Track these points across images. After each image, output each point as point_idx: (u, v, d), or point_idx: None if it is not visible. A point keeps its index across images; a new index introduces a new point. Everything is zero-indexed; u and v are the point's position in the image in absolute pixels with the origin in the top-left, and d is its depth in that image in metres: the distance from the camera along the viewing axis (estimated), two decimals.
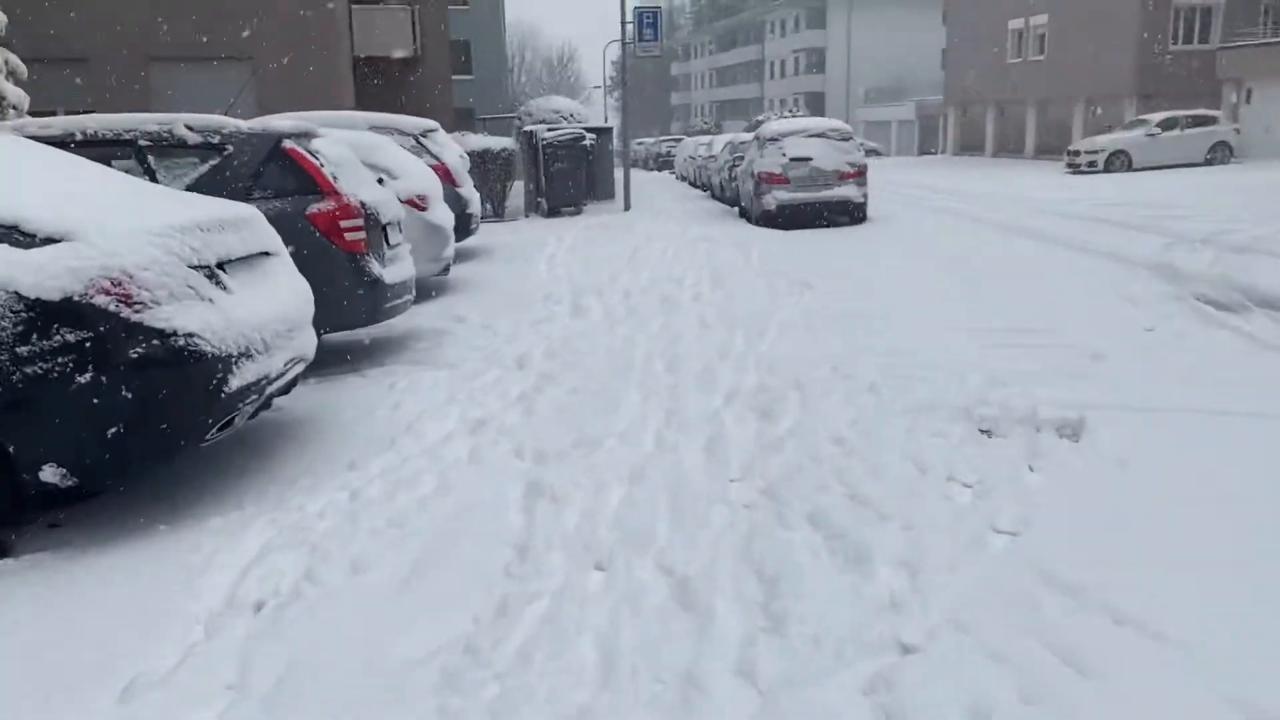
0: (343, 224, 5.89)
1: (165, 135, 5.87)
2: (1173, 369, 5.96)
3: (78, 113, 15.71)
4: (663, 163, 48.63)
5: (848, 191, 15.62)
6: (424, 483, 3.95)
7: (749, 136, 21.54)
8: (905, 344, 6.67)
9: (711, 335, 7.10)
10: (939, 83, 54.75)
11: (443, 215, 9.24)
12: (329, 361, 6.47)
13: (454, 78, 43.68)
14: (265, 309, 4.14)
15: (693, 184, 31.52)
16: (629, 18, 18.34)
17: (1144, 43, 30.85)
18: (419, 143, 11.45)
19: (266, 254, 4.49)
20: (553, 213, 18.09)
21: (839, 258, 11.43)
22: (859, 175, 15.79)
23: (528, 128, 18.98)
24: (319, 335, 6.21)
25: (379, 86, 23.58)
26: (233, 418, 3.89)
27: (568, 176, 17.91)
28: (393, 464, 4.21)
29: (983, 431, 4.98)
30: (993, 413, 5.20)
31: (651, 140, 59.54)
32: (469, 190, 11.74)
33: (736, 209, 19.14)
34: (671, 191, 27.67)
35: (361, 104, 22.85)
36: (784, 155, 15.66)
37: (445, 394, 5.34)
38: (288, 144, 5.97)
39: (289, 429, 4.83)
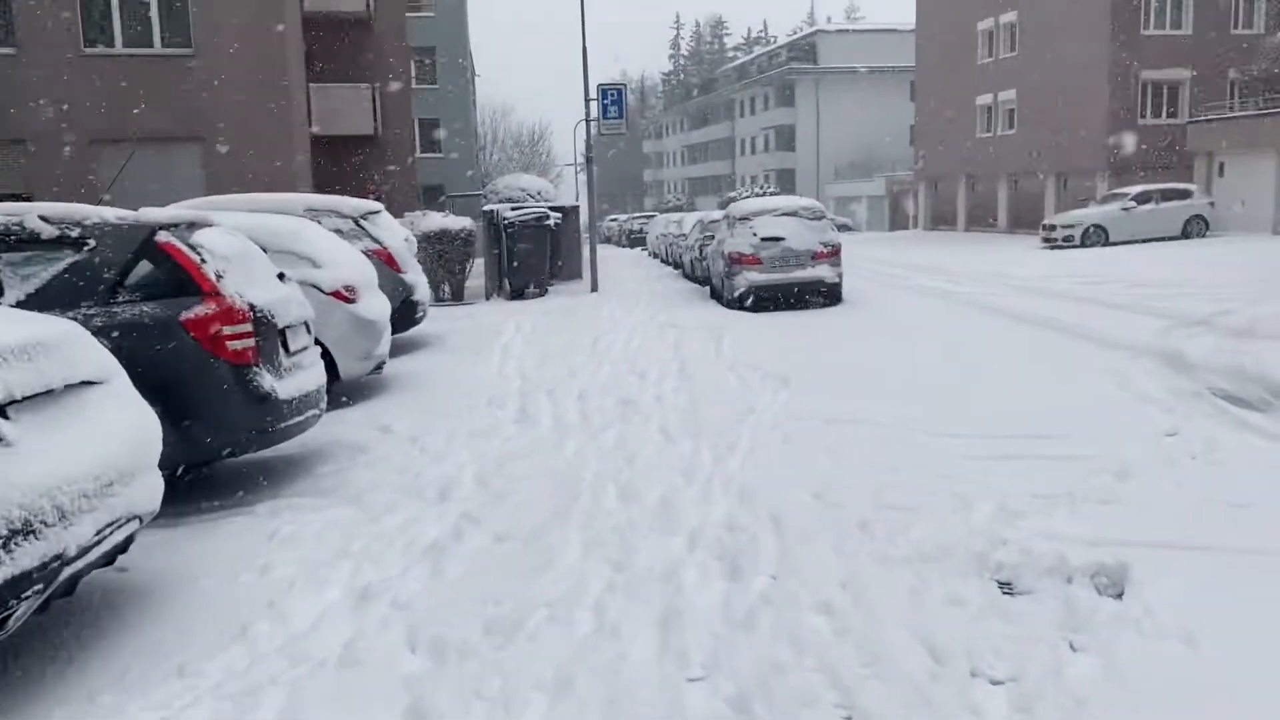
0: (225, 330, 4.90)
1: (15, 229, 4.90)
2: (1210, 488, 5.05)
3: (19, 197, 14.84)
4: (634, 240, 48.25)
5: (822, 272, 14.86)
6: (265, 705, 2.89)
7: (719, 215, 20.91)
8: (897, 459, 5.72)
9: (675, 450, 6.11)
10: (905, 158, 55.24)
11: (376, 307, 8.29)
12: (217, 492, 5.43)
13: (421, 155, 43.64)
14: (70, 460, 3.13)
15: (664, 261, 30.90)
16: (593, 95, 17.76)
17: (1113, 117, 30.84)
18: (359, 225, 10.56)
19: (89, 383, 3.49)
20: (516, 295, 17.22)
21: (816, 347, 10.55)
22: (833, 255, 15.05)
23: (488, 206, 18.21)
24: (202, 464, 5.26)
25: (340, 165, 22.90)
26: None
27: (531, 257, 17.09)
28: (236, 667, 3.14)
29: (1003, 588, 4.01)
30: (1013, 559, 4.23)
31: (624, 217, 59.35)
32: (415, 275, 10.83)
33: (707, 289, 18.35)
34: (642, 270, 26.96)
35: (321, 184, 22.14)
36: (755, 235, 14.92)
37: (335, 546, 4.29)
38: (162, 237, 5.01)
39: (123, 601, 3.76)
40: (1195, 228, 25.89)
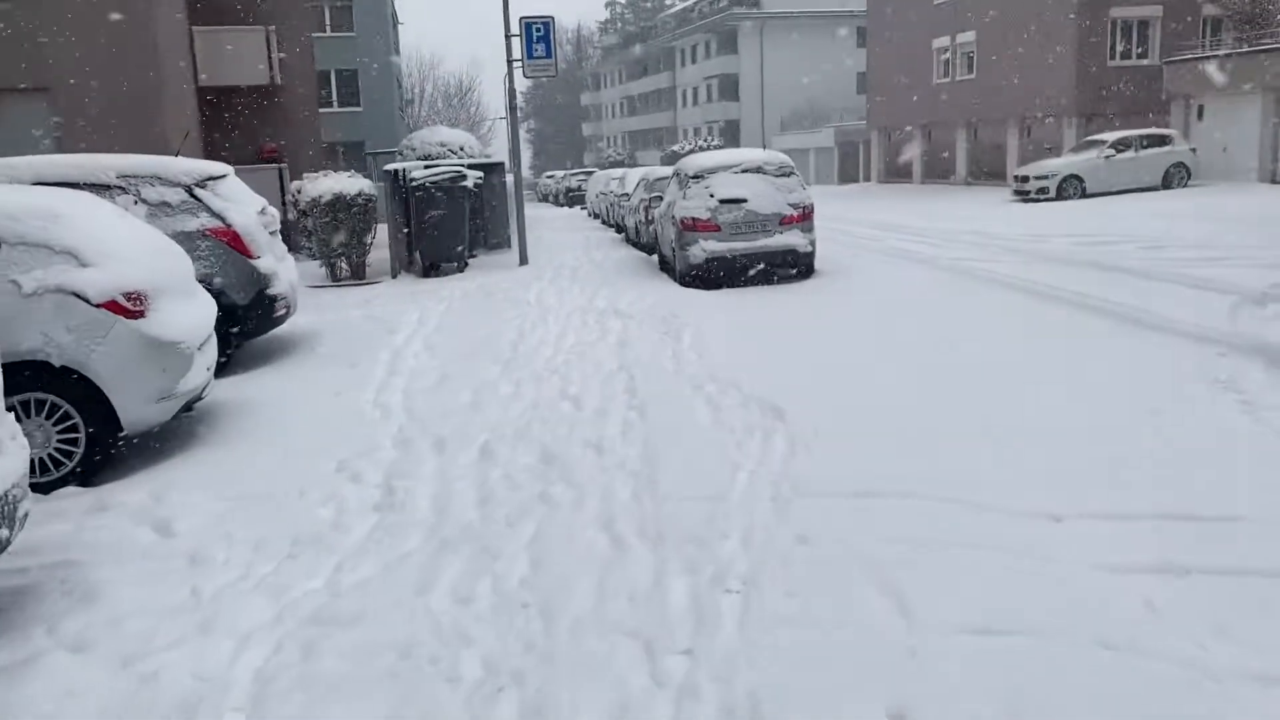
0: None
1: None
2: None
3: None
4: (573, 198, 45.27)
5: (792, 239, 12.42)
6: None
7: (667, 171, 18.30)
8: (999, 587, 3.36)
9: (625, 582, 3.64)
10: (853, 107, 52.82)
11: (182, 320, 5.63)
12: None
13: (339, 109, 40.12)
14: None
15: (605, 222, 28.26)
16: (515, 30, 14.95)
17: (1082, 58, 28.74)
18: (193, 196, 7.83)
19: None
20: (430, 271, 14.51)
21: (801, 344, 8.12)
22: (804, 219, 12.61)
23: (391, 166, 15.35)
24: None
25: (233, 121, 19.77)
26: None
27: (445, 225, 14.36)
28: None
29: None
30: None
31: (561, 174, 56.16)
32: (272, 261, 8.12)
33: (655, 257, 15.84)
34: (581, 234, 24.25)
35: (209, 142, 19.08)
36: (712, 196, 12.40)
37: None
38: None
39: None
40: (1177, 176, 23.94)
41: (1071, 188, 23.76)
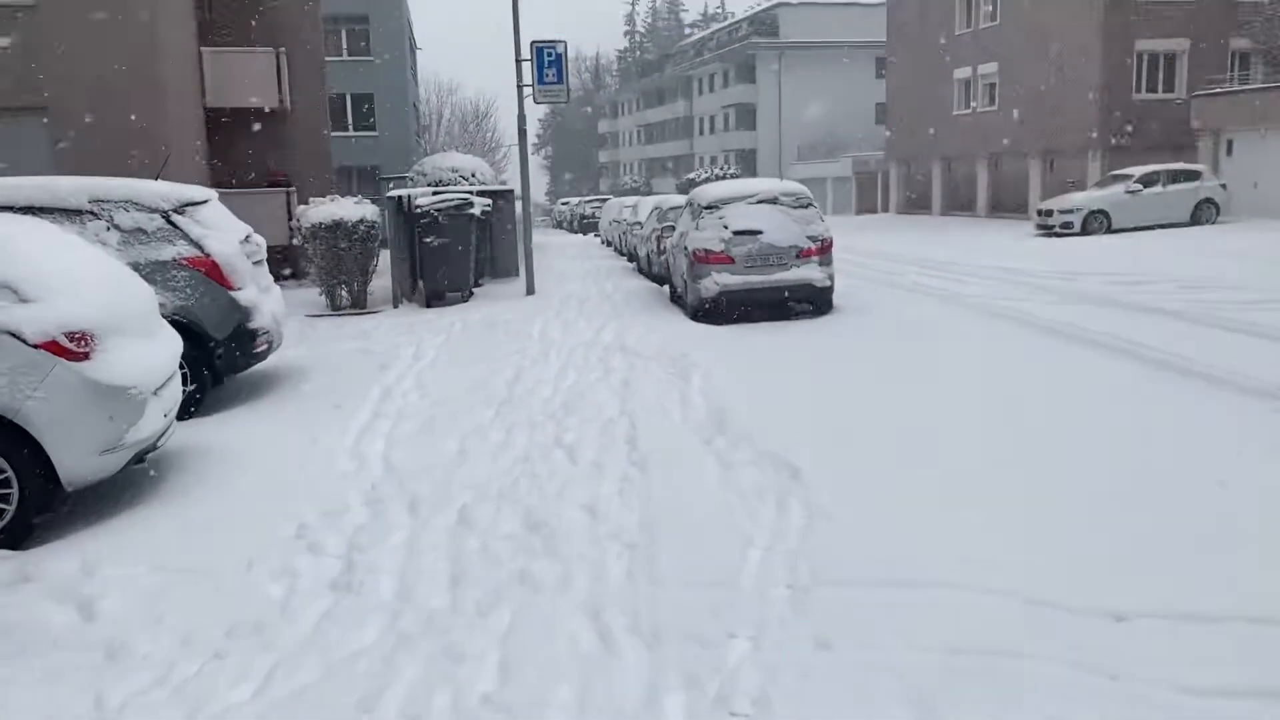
0: None
1: None
2: None
3: None
4: (586, 225, 44.85)
5: (809, 273, 11.85)
6: None
7: (680, 200, 17.80)
8: None
9: (608, 699, 3.04)
10: (872, 138, 52.39)
11: (135, 362, 5.09)
12: None
13: (355, 134, 39.90)
14: None
15: (618, 250, 27.78)
16: (525, 55, 14.51)
17: (1107, 91, 28.18)
18: (170, 223, 7.32)
19: None
20: (433, 301, 14.00)
21: (820, 389, 7.51)
22: (823, 252, 12.04)
23: (395, 192, 14.87)
24: None
25: (240, 144, 19.40)
26: None
27: (450, 253, 13.86)
28: None
29: None
30: None
31: (575, 200, 55.86)
32: (253, 293, 7.59)
33: (666, 288, 15.31)
34: (591, 262, 23.76)
35: (219, 160, 18.73)
36: (726, 227, 11.86)
37: None
38: None
39: None
40: (1206, 213, 23.27)
41: (1097, 223, 23.12)
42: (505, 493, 5.06)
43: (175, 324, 7.02)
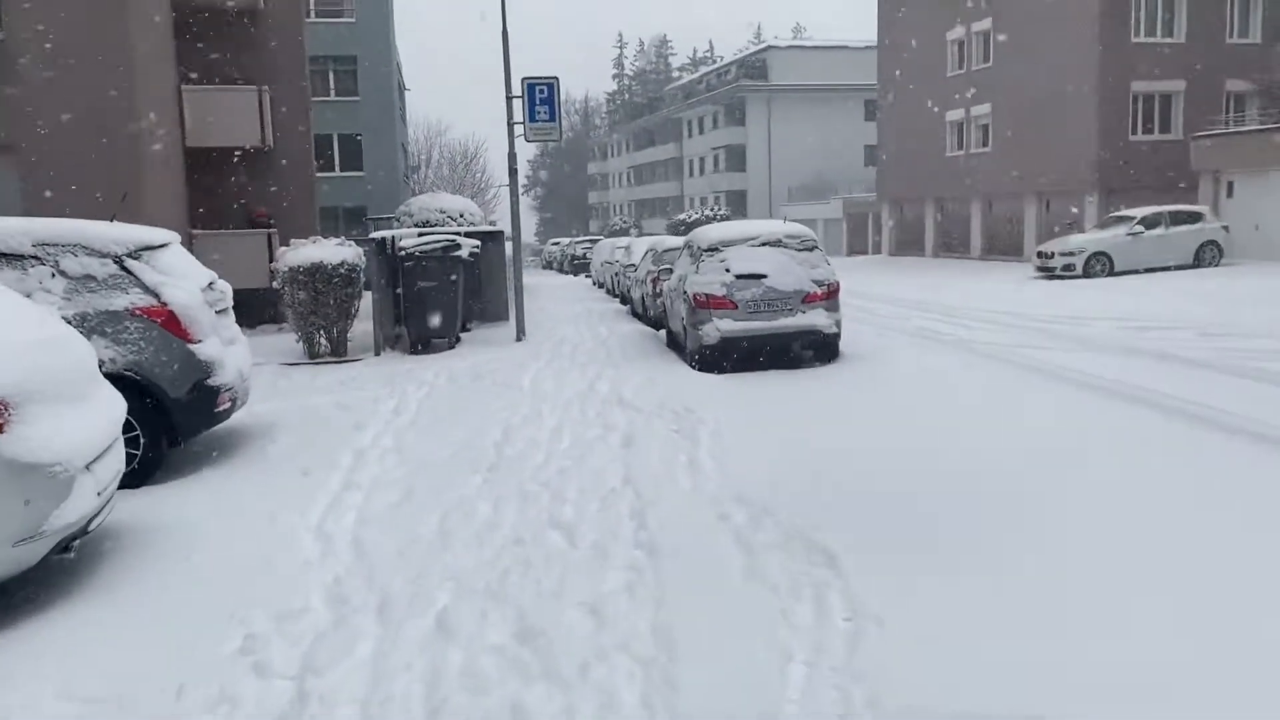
0: None
1: None
2: None
3: None
4: (577, 265, 44.37)
5: (815, 319, 11.22)
6: None
7: (675, 241, 17.21)
8: None
9: None
10: (862, 180, 52.22)
11: (61, 433, 4.35)
12: None
13: (342, 174, 39.38)
14: None
15: (610, 292, 27.21)
16: (516, 91, 13.94)
17: (1103, 132, 27.92)
18: (124, 269, 6.61)
19: None
20: (417, 348, 13.29)
21: (840, 450, 6.79)
22: (829, 296, 11.43)
23: (377, 234, 14.20)
24: None
25: (222, 184, 18.72)
26: None
27: (436, 297, 13.18)
28: None
29: None
30: None
31: (566, 241, 55.43)
32: (215, 346, 6.87)
33: (663, 333, 14.66)
34: (584, 305, 23.10)
35: (197, 206, 18.09)
36: (728, 271, 11.24)
37: None
38: None
39: None
40: (1209, 255, 22.86)
41: (1099, 265, 22.66)
42: (493, 588, 4.32)
43: (126, 381, 6.32)
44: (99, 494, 4.61)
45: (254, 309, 16.74)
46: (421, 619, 3.99)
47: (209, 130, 18.29)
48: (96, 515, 4.66)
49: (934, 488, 5.72)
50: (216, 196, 18.48)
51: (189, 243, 17.21)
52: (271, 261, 16.52)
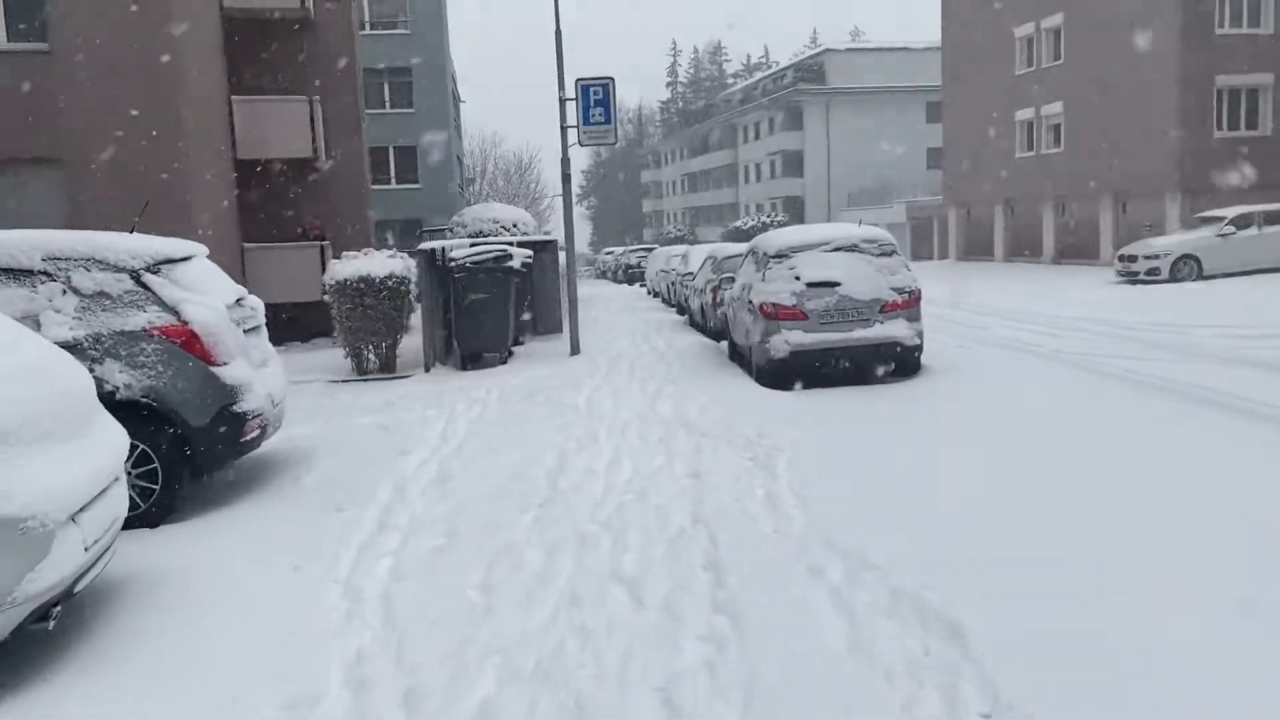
0: None
1: None
2: None
3: None
4: (632, 274, 43.70)
5: (895, 330, 10.32)
6: None
7: (736, 249, 16.38)
8: None
9: None
10: (924, 183, 50.79)
11: (40, 480, 3.69)
12: None
13: (398, 186, 39.22)
14: None
15: (665, 301, 26.48)
16: (570, 94, 13.27)
17: (1186, 130, 26.43)
18: (141, 284, 6.02)
19: None
20: (468, 363, 12.67)
21: (947, 485, 5.91)
22: (910, 305, 10.52)
23: (427, 244, 13.62)
24: None
25: (273, 197, 18.37)
26: None
27: (488, 311, 12.54)
28: None
29: None
30: None
31: (620, 250, 54.84)
32: (242, 369, 6.24)
33: (725, 344, 13.85)
34: (639, 316, 22.36)
35: (247, 213, 17.74)
36: (797, 279, 10.40)
37: None
38: None
39: None
40: None
41: (1186, 268, 21.31)
42: (545, 667, 3.56)
43: (142, 409, 5.72)
44: (88, 548, 3.96)
45: (308, 323, 16.34)
46: (458, 709, 3.24)
47: (259, 142, 17.96)
48: (86, 573, 4.01)
49: (1070, 535, 4.83)
50: (268, 209, 18.14)
51: (240, 256, 16.88)
52: (324, 274, 16.10)
